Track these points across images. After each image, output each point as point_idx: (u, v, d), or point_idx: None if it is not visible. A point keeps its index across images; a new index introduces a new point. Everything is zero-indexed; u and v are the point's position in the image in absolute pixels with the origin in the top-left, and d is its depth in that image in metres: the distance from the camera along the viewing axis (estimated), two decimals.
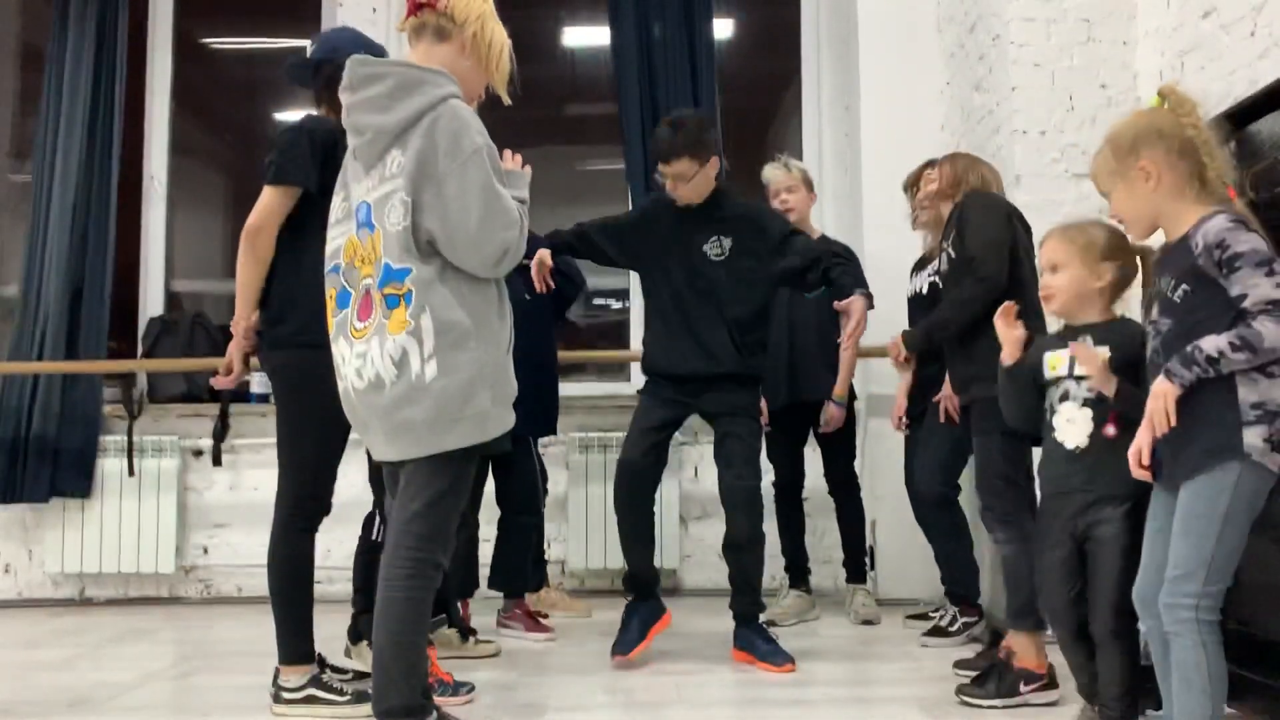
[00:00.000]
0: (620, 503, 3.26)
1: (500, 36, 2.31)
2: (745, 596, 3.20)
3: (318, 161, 2.62)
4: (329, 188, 2.44)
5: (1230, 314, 1.95)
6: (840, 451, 4.01)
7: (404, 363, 2.09)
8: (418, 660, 2.20)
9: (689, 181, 3.17)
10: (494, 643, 3.41)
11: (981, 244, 2.82)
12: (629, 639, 3.18)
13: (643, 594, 3.26)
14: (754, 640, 3.15)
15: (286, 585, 2.65)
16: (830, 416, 3.89)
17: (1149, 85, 3.55)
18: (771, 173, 4.04)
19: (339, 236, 2.25)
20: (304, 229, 2.63)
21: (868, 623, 3.86)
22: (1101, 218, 2.46)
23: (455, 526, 2.25)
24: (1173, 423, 1.97)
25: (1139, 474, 2.07)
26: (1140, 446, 2.05)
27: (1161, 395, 1.99)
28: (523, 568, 3.74)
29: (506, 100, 2.35)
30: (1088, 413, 2.32)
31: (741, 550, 3.18)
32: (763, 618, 3.28)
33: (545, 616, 3.76)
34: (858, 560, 4.03)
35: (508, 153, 2.33)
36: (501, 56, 2.30)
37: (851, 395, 4.00)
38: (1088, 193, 3.50)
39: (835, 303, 3.23)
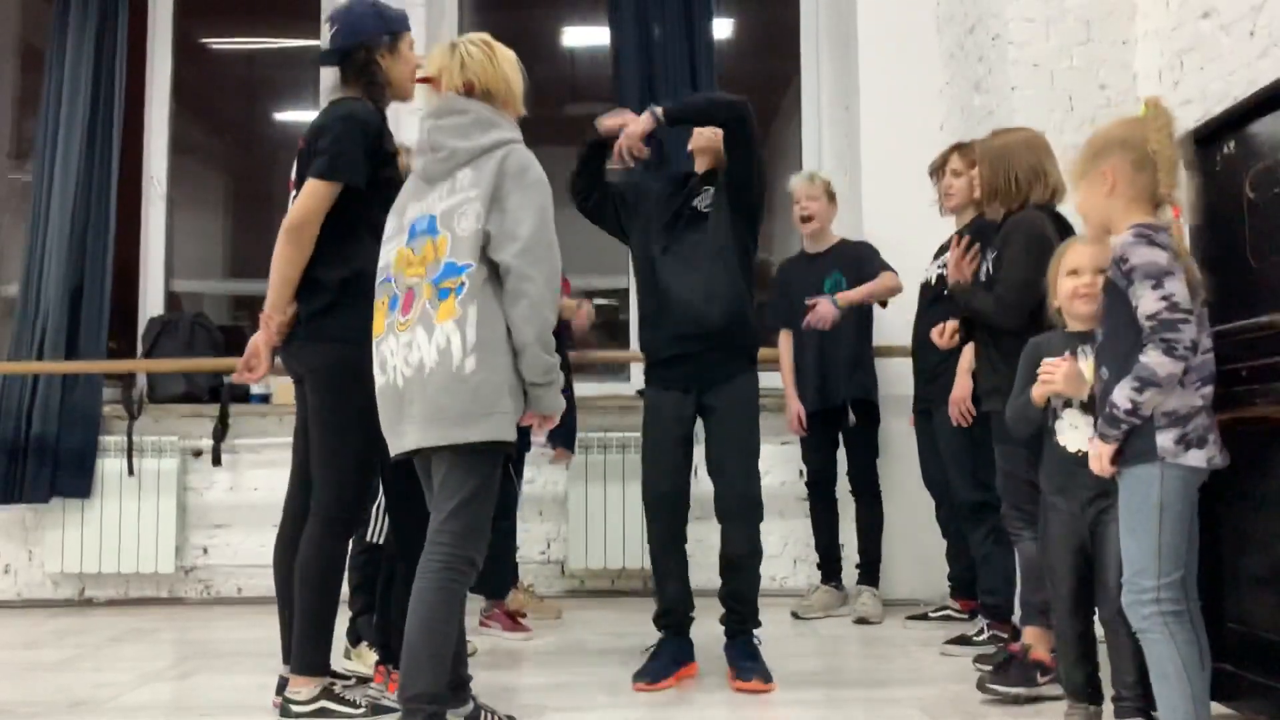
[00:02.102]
0: (660, 540, 3.06)
1: (513, 64, 2.47)
2: (737, 613, 3.02)
3: (368, 156, 2.57)
4: (374, 181, 2.55)
5: (1130, 327, 2.08)
6: (862, 451, 4.03)
7: (447, 351, 2.22)
8: (446, 650, 2.26)
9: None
10: (472, 642, 3.40)
11: (1011, 279, 2.86)
12: (657, 669, 2.97)
13: (679, 630, 3.07)
14: (735, 655, 2.99)
15: (316, 594, 2.55)
16: (820, 314, 3.70)
17: (1148, 85, 3.56)
18: (795, 182, 4.12)
19: (390, 251, 2.40)
20: (348, 221, 2.56)
21: (864, 621, 3.87)
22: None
23: (489, 524, 2.33)
24: (1110, 472, 2.12)
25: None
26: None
27: (1097, 457, 2.13)
28: (501, 571, 3.73)
29: (522, 111, 2.51)
30: (1090, 418, 2.36)
31: (741, 569, 3.00)
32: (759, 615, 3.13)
33: (524, 616, 3.77)
34: (871, 561, 4.04)
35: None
36: (520, 82, 2.49)
37: (874, 399, 4.03)
38: None
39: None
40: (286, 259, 2.56)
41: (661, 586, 3.06)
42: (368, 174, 2.57)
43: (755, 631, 3.05)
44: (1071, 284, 2.44)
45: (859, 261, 4.00)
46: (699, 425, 3.09)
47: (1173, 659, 2.03)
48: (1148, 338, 2.03)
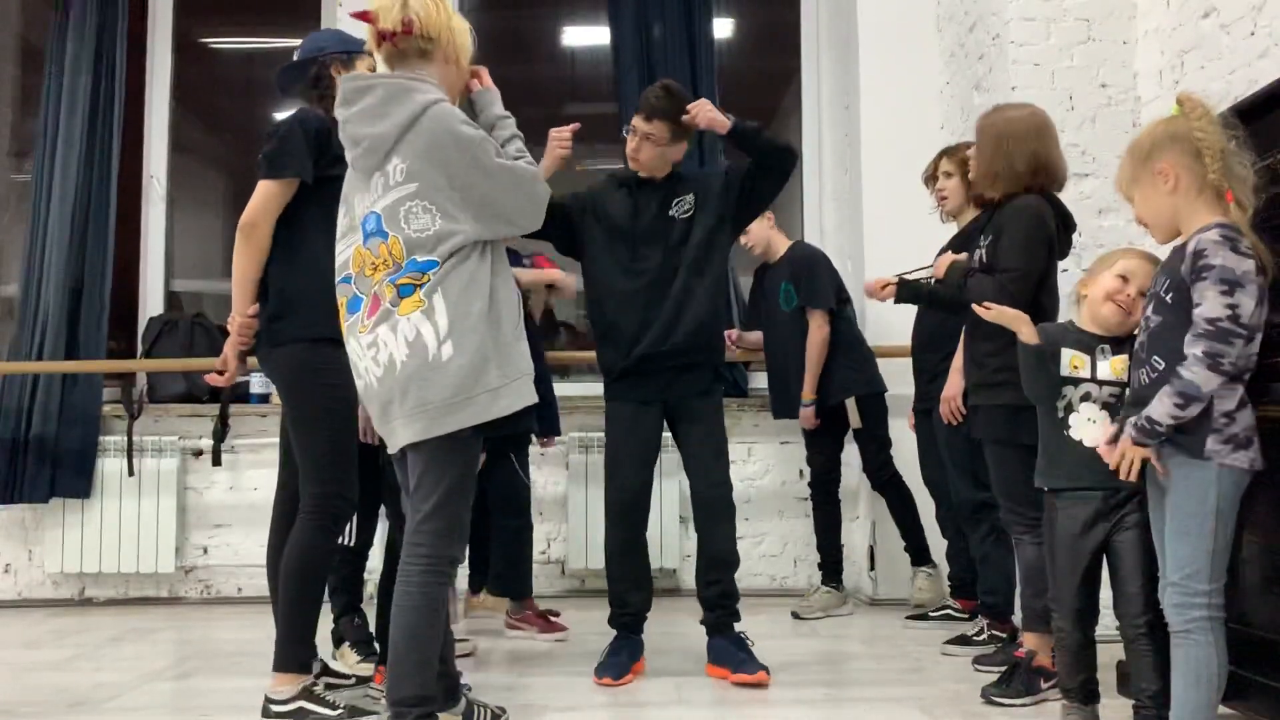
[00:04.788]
0: (621, 547, 3.11)
1: (463, 23, 2.34)
2: (721, 610, 3.07)
3: (311, 152, 2.58)
4: (324, 180, 2.53)
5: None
6: (870, 447, 4.02)
7: (419, 343, 2.15)
8: (432, 653, 2.24)
9: (656, 147, 3.08)
10: (470, 641, 3.41)
11: (1014, 268, 2.80)
12: (620, 664, 3.04)
13: (636, 629, 3.14)
14: (729, 649, 3.02)
15: (300, 590, 2.55)
16: (804, 415, 3.94)
17: (1149, 85, 3.56)
18: None
19: (346, 249, 2.30)
20: (300, 222, 2.59)
21: (920, 608, 3.86)
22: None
23: (468, 519, 2.29)
24: (1133, 476, 2.15)
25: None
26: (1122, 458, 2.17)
27: (1129, 456, 2.12)
28: (522, 571, 3.73)
29: (466, 71, 2.37)
30: (1108, 415, 2.38)
31: (728, 566, 3.06)
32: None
33: (557, 615, 3.75)
34: (918, 544, 4.01)
35: (483, 71, 2.42)
36: (469, 45, 2.35)
37: (872, 392, 4.00)
38: (1089, 192, 3.52)
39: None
40: (242, 259, 2.60)
41: (623, 589, 3.11)
42: (314, 171, 2.57)
43: (738, 626, 3.09)
44: (1115, 285, 2.41)
45: (798, 270, 4.03)
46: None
47: (1209, 663, 2.03)
48: (1195, 340, 2.00)
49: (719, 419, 3.14)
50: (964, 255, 3.06)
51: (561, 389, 4.40)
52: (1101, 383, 2.41)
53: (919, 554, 4.01)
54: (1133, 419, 2.11)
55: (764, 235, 4.12)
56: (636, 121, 3.10)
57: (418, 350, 2.15)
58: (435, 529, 2.21)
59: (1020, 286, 2.77)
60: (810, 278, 4.00)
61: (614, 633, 3.14)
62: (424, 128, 2.17)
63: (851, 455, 4.13)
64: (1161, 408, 2.04)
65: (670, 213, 3.11)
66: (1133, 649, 2.34)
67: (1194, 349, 2.01)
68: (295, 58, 2.81)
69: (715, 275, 3.12)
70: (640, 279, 3.08)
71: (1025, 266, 2.79)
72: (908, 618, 3.84)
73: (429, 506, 2.21)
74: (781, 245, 4.15)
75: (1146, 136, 2.20)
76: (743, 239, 4.03)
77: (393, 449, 2.30)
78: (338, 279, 2.33)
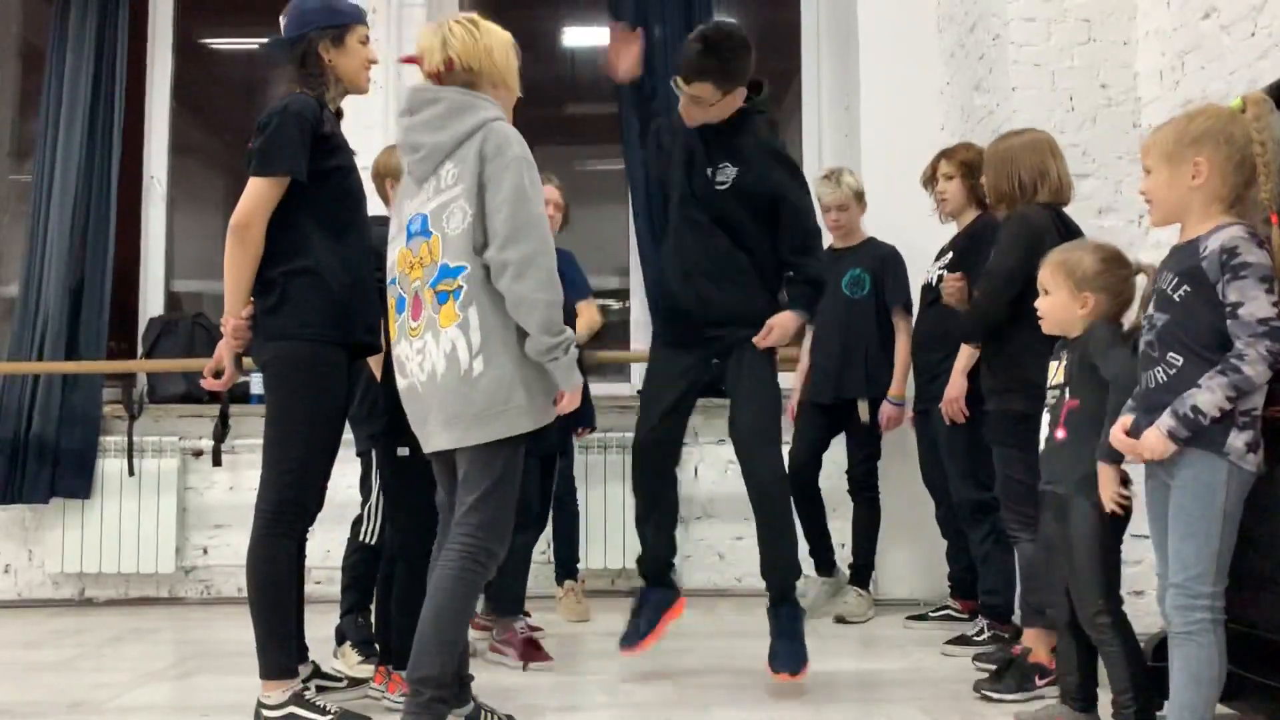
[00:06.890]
0: (639, 485, 2.98)
1: (503, 43, 2.41)
2: (773, 570, 2.85)
3: (306, 146, 2.49)
4: (319, 172, 2.51)
5: (1219, 320, 2.03)
6: (866, 451, 4.02)
7: (454, 356, 2.25)
8: (456, 637, 2.30)
9: (705, 108, 2.82)
10: (473, 642, 3.39)
11: (990, 269, 2.94)
12: (638, 627, 2.95)
13: (658, 579, 3.02)
14: (773, 636, 2.87)
15: (265, 595, 2.49)
16: (888, 416, 3.91)
17: (1149, 85, 3.55)
18: (821, 189, 4.06)
19: (393, 252, 2.42)
20: (297, 215, 2.51)
21: (843, 620, 3.87)
22: (1098, 240, 2.60)
23: (512, 518, 2.35)
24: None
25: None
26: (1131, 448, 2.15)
27: (1154, 451, 2.07)
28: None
29: (516, 91, 2.46)
30: (1048, 417, 2.46)
31: (768, 498, 2.83)
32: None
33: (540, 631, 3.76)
34: (863, 564, 4.03)
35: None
36: (513, 61, 2.43)
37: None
38: (1089, 193, 3.52)
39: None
40: (235, 261, 2.54)
41: (641, 532, 3.01)
42: (308, 164, 2.50)
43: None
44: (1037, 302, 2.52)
45: (883, 264, 4.01)
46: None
47: (1210, 665, 2.04)
48: (1253, 340, 1.98)
49: (766, 361, 2.88)
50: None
51: None
52: (1051, 387, 2.49)
53: (860, 573, 4.02)
54: (1173, 409, 2.04)
55: (855, 220, 4.09)
56: (680, 83, 2.83)
57: (453, 364, 2.25)
58: (478, 521, 2.29)
59: (991, 285, 2.90)
60: (897, 275, 3.99)
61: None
62: (480, 138, 2.27)
63: (838, 454, 4.10)
64: (1212, 398, 2.00)
65: (708, 170, 2.90)
66: (1099, 648, 2.34)
67: (1256, 347, 1.98)
68: (281, 26, 2.65)
69: (750, 245, 2.88)
70: (684, 240, 2.93)
71: (994, 266, 2.91)
72: (908, 618, 3.84)
73: (473, 499, 2.30)
74: (859, 233, 4.13)
75: (1201, 122, 2.13)
76: (829, 218, 4.00)
77: (427, 450, 2.39)
78: (387, 281, 2.43)
